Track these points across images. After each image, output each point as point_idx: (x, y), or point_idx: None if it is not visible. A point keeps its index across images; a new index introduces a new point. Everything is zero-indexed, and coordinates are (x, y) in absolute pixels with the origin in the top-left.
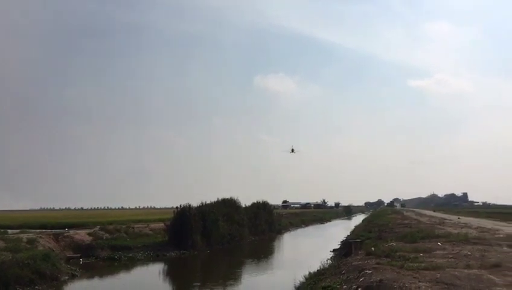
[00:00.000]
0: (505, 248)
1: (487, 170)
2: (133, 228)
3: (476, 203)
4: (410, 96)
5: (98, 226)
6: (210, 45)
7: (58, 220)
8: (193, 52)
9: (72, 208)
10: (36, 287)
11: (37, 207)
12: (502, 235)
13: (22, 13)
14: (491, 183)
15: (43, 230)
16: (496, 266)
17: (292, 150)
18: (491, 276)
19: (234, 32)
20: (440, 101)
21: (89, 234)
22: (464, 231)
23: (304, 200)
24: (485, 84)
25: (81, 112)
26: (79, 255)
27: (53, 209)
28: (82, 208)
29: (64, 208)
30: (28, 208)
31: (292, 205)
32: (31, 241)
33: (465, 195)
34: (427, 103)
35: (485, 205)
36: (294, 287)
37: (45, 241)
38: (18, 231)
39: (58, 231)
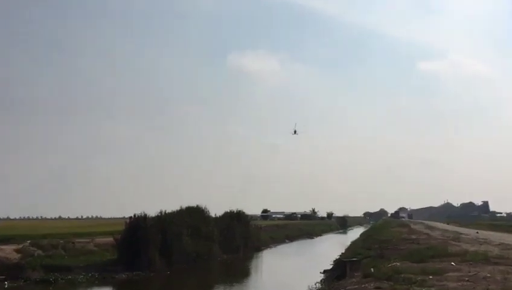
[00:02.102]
0: None
1: None
2: (73, 243)
3: (498, 215)
4: (420, 81)
5: (29, 241)
6: (172, 15)
7: None
8: (152, 25)
9: None
10: None
11: None
12: None
13: None
14: None
15: None
16: None
17: (295, 132)
18: None
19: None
20: (456, 88)
21: (17, 251)
22: (483, 248)
23: (288, 210)
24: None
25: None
26: (3, 277)
27: None
28: (8, 218)
29: None
30: None
31: (274, 216)
32: None
33: (485, 204)
34: (441, 90)
35: (510, 217)
36: None
37: None
38: None
39: None
